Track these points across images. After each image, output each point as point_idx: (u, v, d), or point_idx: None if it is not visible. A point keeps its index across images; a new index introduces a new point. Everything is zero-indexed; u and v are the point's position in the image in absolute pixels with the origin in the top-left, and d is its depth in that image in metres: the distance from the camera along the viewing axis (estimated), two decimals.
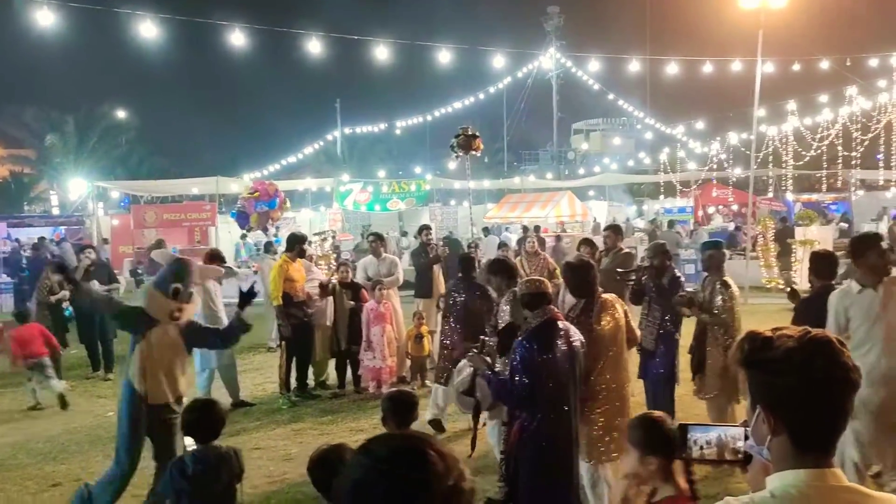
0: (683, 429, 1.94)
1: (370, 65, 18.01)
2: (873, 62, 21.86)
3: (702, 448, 1.87)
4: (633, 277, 6.92)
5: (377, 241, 9.69)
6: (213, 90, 76.00)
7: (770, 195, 29.70)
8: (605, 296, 4.99)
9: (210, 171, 26.63)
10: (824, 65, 21.38)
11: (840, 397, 1.54)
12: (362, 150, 41.49)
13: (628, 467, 3.04)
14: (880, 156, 27.74)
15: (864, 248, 4.60)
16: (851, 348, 4.34)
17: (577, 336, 4.36)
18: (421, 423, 6.65)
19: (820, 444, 1.55)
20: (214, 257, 8.11)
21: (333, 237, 19.86)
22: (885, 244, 4.82)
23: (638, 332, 5.36)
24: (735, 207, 28.70)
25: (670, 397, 6.20)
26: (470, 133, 9.88)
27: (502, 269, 5.90)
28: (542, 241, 15.23)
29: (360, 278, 9.20)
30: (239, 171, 29.46)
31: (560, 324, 4.31)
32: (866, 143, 26.66)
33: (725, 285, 5.88)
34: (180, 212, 21.64)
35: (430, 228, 11.23)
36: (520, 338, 4.33)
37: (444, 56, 18.61)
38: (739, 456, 1.79)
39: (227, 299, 10.33)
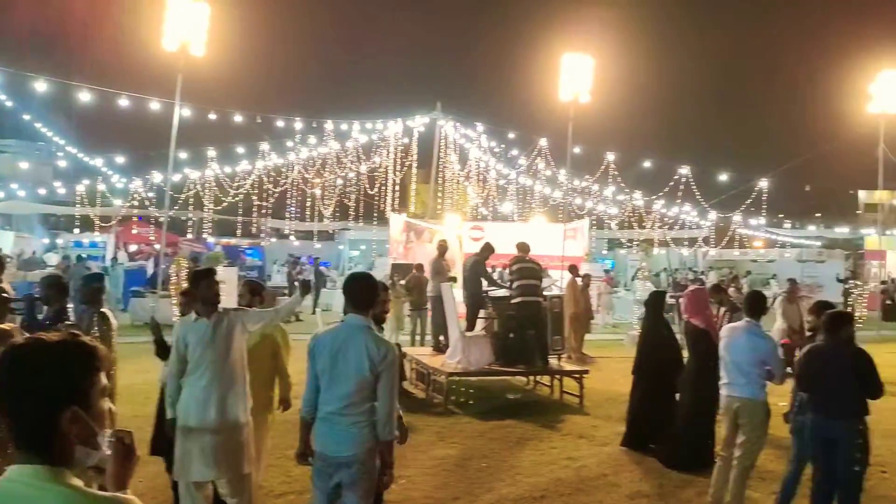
0: None
1: None
2: (280, 123, 24.49)
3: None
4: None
5: None
6: None
7: (191, 236, 30.67)
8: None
9: None
10: (239, 118, 23.06)
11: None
12: None
13: None
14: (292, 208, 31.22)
15: (195, 280, 4.97)
16: (189, 372, 4.68)
17: None
18: None
19: (34, 444, 1.57)
20: None
21: None
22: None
23: None
24: (158, 246, 28.71)
25: None
26: None
27: None
28: None
29: None
30: None
31: None
32: (277, 195, 29.75)
33: (103, 316, 5.77)
34: None
35: None
36: None
37: None
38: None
39: None
